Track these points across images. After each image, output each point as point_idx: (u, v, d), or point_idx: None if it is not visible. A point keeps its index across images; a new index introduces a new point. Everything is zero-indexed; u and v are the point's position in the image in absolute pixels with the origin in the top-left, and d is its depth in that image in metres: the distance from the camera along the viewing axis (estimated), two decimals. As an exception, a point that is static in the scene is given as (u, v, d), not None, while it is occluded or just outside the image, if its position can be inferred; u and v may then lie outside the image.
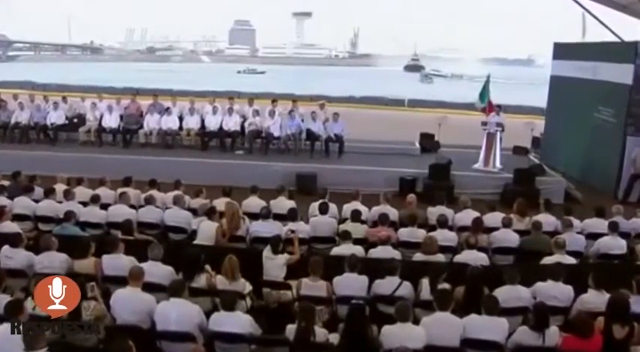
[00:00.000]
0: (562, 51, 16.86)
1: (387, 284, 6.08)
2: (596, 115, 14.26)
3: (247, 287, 6.23)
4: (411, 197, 9.18)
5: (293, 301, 6.27)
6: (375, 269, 6.32)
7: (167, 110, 15.18)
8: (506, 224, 7.97)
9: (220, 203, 8.65)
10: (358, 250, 7.02)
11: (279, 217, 8.39)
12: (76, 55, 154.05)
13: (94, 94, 17.44)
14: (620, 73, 13.30)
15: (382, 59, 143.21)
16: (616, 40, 15.52)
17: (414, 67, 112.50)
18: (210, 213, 7.94)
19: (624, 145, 13.13)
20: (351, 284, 6.09)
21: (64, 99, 16.45)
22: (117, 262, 6.36)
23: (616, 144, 13.33)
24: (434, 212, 8.65)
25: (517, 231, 8.10)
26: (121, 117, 15.19)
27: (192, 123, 15.03)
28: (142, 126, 14.99)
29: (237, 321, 5.23)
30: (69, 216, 7.82)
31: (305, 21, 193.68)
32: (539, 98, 21.52)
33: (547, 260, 6.98)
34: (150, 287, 5.77)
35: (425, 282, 6.05)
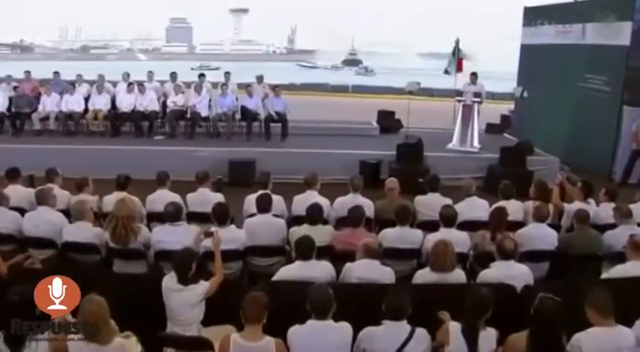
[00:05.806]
0: (535, 15, 14.84)
1: (386, 336, 3.37)
2: (582, 85, 12.38)
3: (133, 348, 3.43)
4: (393, 181, 6.30)
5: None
6: (359, 305, 3.61)
7: (72, 85, 12.48)
8: (541, 217, 5.34)
9: (113, 200, 5.81)
10: (327, 270, 4.28)
11: (200, 218, 5.78)
12: (5, 54, 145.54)
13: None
14: (613, 34, 11.38)
15: (320, 54, 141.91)
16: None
17: (351, 62, 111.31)
18: (81, 212, 5.10)
19: (620, 117, 11.28)
20: (321, 341, 3.34)
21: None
22: None
23: (610, 117, 11.44)
24: (426, 202, 6.02)
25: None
26: (11, 99, 12.30)
27: (100, 103, 12.23)
28: (37, 109, 12.13)
29: None
30: None
31: (242, 17, 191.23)
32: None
33: (618, 271, 4.48)
34: None
35: (455, 327, 3.38)
